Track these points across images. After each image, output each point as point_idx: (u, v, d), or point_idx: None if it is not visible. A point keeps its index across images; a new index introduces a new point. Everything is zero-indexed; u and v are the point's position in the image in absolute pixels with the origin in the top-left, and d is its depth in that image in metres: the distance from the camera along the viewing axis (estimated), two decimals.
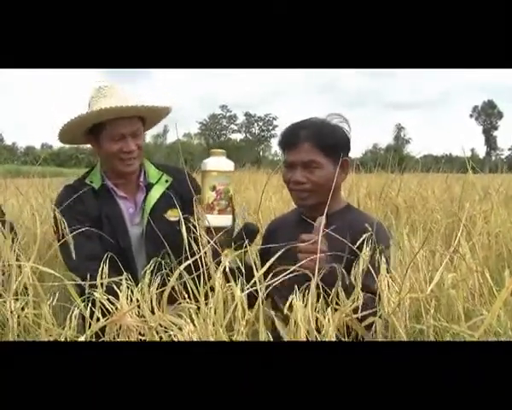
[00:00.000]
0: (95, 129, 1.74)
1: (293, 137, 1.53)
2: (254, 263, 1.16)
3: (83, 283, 1.22)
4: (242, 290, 1.07)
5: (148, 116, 1.80)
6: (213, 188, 1.54)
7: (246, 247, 1.53)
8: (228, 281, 1.12)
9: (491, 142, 66.38)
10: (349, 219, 1.49)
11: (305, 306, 1.03)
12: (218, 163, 1.57)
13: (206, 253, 1.20)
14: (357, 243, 1.18)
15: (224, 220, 1.54)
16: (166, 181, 1.84)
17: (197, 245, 1.24)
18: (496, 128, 67.12)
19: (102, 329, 1.12)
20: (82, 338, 1.03)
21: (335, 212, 1.51)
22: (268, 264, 1.13)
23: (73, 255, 1.33)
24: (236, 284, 1.08)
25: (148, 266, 1.18)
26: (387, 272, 1.13)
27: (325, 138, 1.51)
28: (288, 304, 1.05)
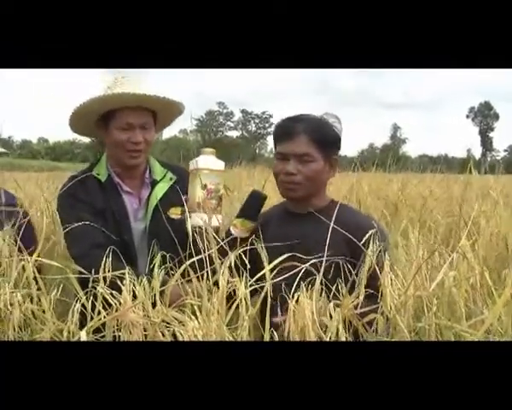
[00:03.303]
0: (105, 117, 1.75)
1: (289, 128, 1.54)
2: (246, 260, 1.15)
3: (84, 276, 1.21)
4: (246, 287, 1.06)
5: (160, 111, 1.80)
6: (204, 187, 1.52)
7: (254, 217, 1.51)
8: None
9: (487, 143, 66.54)
10: (340, 216, 1.43)
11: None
12: (209, 162, 1.55)
13: (210, 249, 1.18)
14: (360, 241, 1.19)
15: (213, 220, 1.48)
16: (171, 179, 1.83)
17: (202, 243, 1.22)
18: (492, 129, 67.28)
19: (103, 324, 1.11)
20: (83, 332, 1.02)
21: (323, 208, 1.55)
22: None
23: (78, 243, 1.32)
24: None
25: (156, 259, 1.17)
26: (391, 270, 1.13)
27: (321, 134, 1.53)
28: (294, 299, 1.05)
